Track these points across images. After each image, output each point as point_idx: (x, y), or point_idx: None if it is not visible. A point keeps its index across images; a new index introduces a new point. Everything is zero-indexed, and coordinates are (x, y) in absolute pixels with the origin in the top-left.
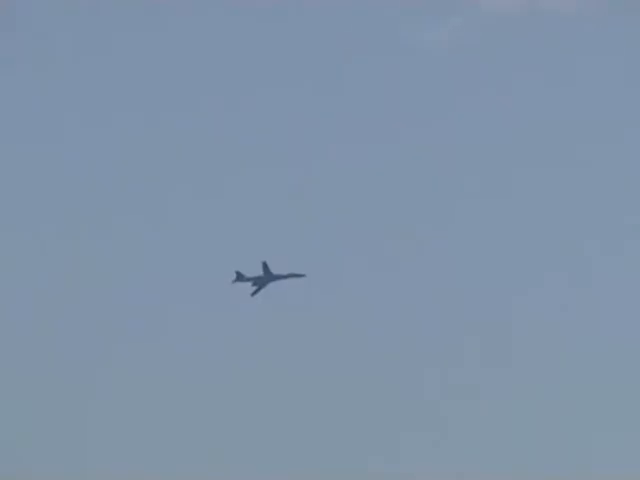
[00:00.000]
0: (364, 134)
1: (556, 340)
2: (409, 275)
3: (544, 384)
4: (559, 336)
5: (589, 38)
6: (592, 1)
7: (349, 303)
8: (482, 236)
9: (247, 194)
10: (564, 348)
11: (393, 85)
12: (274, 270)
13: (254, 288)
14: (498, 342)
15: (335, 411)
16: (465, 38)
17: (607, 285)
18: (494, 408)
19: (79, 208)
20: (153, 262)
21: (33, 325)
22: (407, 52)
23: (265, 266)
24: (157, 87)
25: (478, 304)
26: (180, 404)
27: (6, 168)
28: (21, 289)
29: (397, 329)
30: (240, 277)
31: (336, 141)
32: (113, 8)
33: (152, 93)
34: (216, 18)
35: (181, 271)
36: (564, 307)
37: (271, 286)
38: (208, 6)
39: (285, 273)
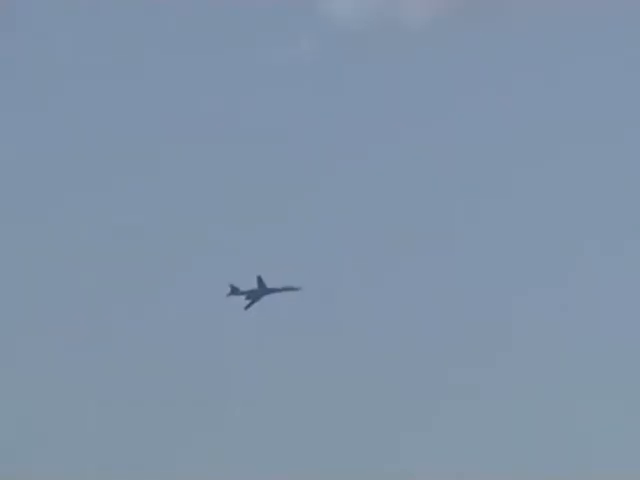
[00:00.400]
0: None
1: (556, 340)
2: (409, 275)
3: (544, 384)
4: (559, 336)
5: (443, 50)
6: (445, 14)
7: (344, 315)
8: (482, 237)
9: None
10: (564, 348)
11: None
12: (269, 283)
13: (248, 301)
14: (498, 342)
15: (335, 411)
16: (320, 53)
17: (607, 285)
18: (494, 408)
19: (79, 208)
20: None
21: (33, 325)
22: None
23: (260, 280)
24: (157, 87)
25: (478, 304)
26: (177, 410)
27: (6, 168)
28: (21, 289)
29: (396, 334)
30: (234, 291)
31: (337, 142)
32: (113, 8)
33: (152, 93)
34: (216, 18)
35: (175, 284)
36: (564, 307)
37: (265, 299)
38: (208, 6)
39: (280, 286)
